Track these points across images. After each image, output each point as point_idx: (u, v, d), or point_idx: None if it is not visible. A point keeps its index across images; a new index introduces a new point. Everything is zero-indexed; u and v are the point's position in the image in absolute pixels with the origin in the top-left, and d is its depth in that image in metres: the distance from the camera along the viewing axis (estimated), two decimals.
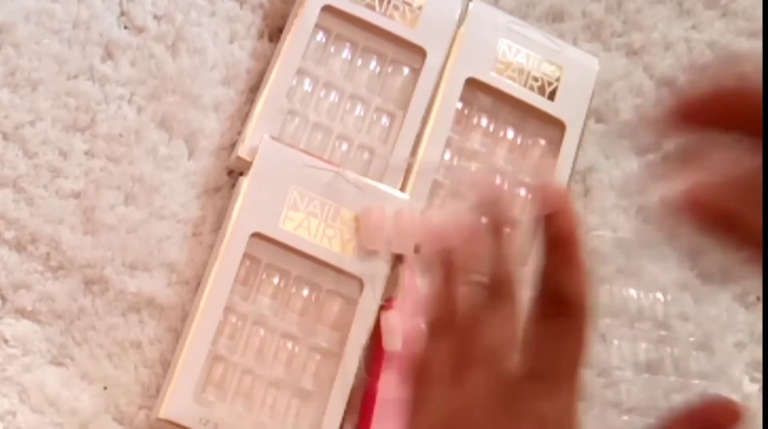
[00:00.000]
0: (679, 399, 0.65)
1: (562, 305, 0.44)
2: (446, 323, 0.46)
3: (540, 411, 0.43)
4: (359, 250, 0.61)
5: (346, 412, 0.60)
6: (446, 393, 0.45)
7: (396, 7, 0.66)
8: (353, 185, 0.62)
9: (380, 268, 0.61)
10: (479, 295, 0.46)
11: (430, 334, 0.46)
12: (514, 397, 0.44)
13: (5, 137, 0.61)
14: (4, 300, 0.60)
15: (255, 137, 0.62)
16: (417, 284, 0.61)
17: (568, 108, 0.68)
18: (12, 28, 0.63)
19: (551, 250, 0.44)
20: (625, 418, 0.65)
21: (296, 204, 0.61)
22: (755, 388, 0.68)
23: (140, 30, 0.65)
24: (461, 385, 0.44)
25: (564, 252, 0.44)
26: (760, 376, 0.69)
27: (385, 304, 0.61)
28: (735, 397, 0.67)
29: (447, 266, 0.47)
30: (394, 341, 0.59)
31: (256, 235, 0.60)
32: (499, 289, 0.45)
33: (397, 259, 0.62)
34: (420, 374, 0.46)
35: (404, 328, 0.60)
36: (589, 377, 0.66)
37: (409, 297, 0.61)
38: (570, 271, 0.44)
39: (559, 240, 0.44)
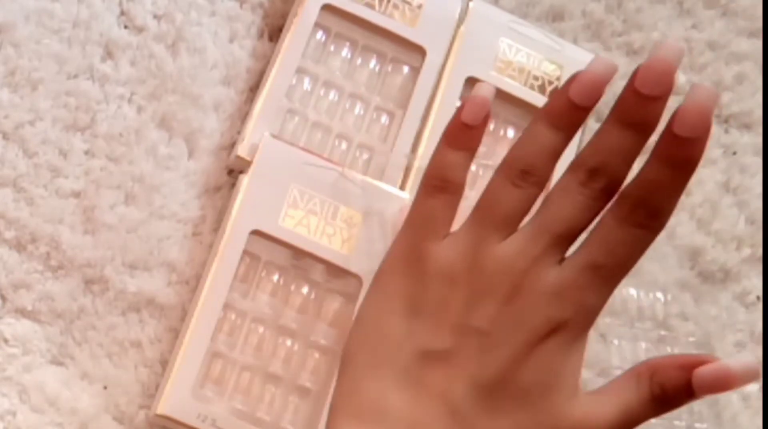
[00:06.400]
0: None
1: (651, 219, 0.45)
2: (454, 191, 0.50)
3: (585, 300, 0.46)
4: (358, 248, 0.61)
5: None
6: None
7: (396, 6, 0.66)
8: (353, 183, 0.62)
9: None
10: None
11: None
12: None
13: (5, 137, 0.62)
14: (4, 300, 0.60)
15: (254, 136, 0.62)
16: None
17: None
18: (12, 28, 0.63)
19: (665, 167, 0.44)
20: None
21: (296, 202, 0.61)
22: (755, 388, 0.68)
23: (140, 30, 0.65)
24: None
25: (678, 176, 0.44)
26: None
27: None
28: (735, 396, 0.67)
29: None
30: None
31: (256, 233, 0.60)
32: (532, 174, 0.48)
33: None
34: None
35: None
36: (589, 377, 0.65)
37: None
38: (674, 193, 0.44)
39: (680, 164, 0.44)
